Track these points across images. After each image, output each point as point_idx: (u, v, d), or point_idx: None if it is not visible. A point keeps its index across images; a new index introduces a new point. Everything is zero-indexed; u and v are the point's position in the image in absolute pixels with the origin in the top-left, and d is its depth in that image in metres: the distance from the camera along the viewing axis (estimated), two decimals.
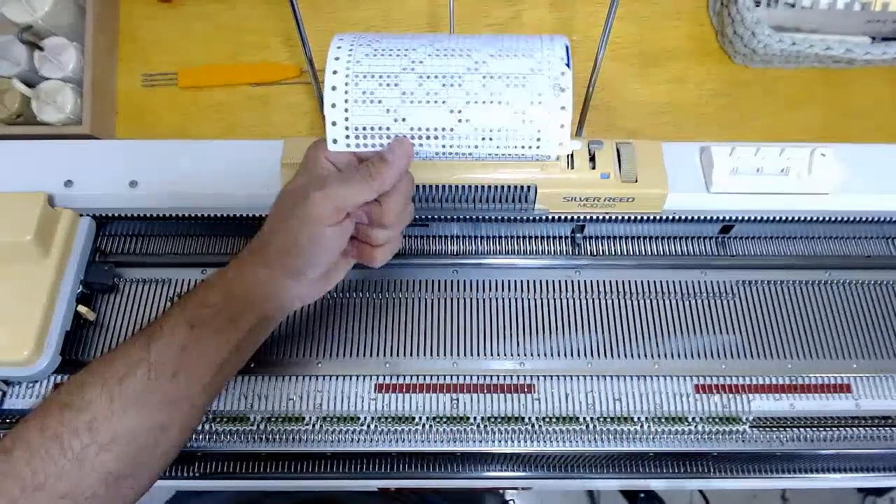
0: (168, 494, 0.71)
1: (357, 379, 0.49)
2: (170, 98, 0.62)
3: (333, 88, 0.38)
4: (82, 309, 0.49)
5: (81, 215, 0.52)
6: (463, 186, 0.49)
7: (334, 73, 0.38)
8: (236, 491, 0.60)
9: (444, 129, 0.39)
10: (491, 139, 0.39)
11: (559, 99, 0.38)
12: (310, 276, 0.41)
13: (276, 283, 0.40)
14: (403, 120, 0.38)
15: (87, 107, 0.57)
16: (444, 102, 0.38)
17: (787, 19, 0.60)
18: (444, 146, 0.39)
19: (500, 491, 0.79)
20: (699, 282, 0.53)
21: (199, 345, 0.37)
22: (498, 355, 0.50)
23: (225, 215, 0.52)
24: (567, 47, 0.39)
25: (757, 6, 0.59)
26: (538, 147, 0.39)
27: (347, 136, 0.39)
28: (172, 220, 0.53)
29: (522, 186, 0.49)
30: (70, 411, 0.34)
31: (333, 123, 0.39)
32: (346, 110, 0.38)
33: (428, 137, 0.39)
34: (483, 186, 0.49)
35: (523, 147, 0.39)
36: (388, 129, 0.39)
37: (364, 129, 0.39)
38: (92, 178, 0.52)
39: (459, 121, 0.38)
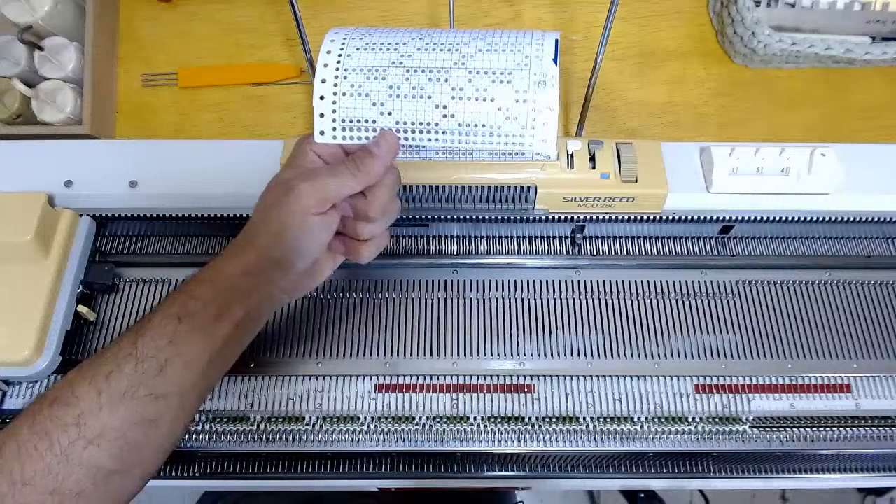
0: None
1: (357, 379, 0.49)
2: (170, 98, 0.62)
3: (323, 81, 0.39)
4: (82, 309, 0.49)
5: (81, 215, 0.52)
6: (463, 186, 0.49)
7: (325, 66, 0.39)
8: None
9: (429, 124, 0.39)
10: (476, 135, 0.39)
11: (545, 96, 0.38)
12: (296, 268, 0.40)
13: (262, 275, 0.40)
14: (389, 114, 0.39)
15: (87, 107, 0.57)
16: (429, 97, 0.38)
17: (787, 19, 0.60)
18: (430, 140, 0.39)
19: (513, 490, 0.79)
20: (699, 282, 0.53)
21: (186, 338, 0.37)
22: (498, 355, 0.50)
23: (225, 215, 0.52)
24: (557, 42, 0.39)
25: (757, 6, 0.59)
26: (521, 144, 0.39)
27: (335, 129, 0.39)
28: (172, 220, 0.53)
29: (522, 186, 0.49)
30: (59, 406, 0.34)
31: (321, 115, 0.39)
32: (335, 103, 0.39)
33: (413, 132, 0.39)
34: (483, 186, 0.49)
35: (508, 144, 0.39)
36: (374, 122, 0.39)
37: (351, 121, 0.39)
38: (92, 178, 0.52)
39: (444, 116, 0.38)
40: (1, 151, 0.53)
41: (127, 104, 0.62)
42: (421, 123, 0.39)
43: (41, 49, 0.58)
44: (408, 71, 0.38)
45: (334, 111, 0.39)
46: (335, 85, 0.38)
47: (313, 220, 0.39)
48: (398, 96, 0.38)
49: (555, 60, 0.38)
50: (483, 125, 0.39)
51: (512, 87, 0.38)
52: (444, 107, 0.38)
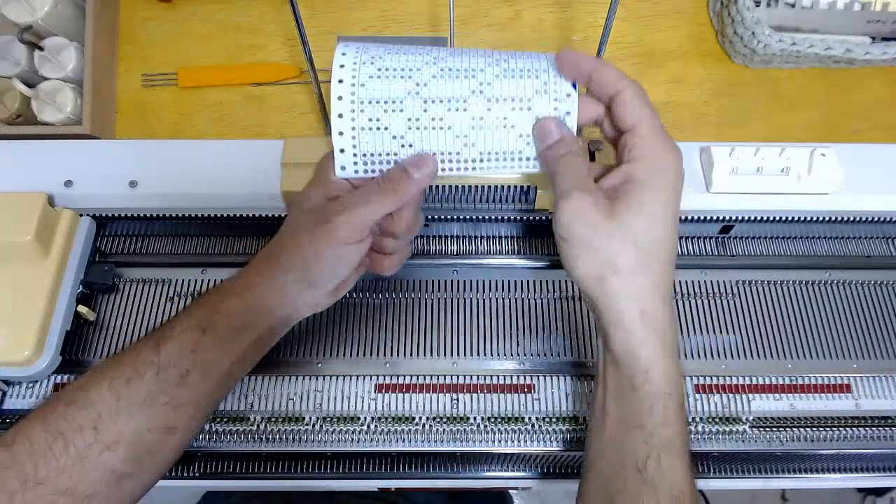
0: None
1: (357, 379, 0.49)
2: (170, 98, 0.62)
3: (340, 116, 0.38)
4: (82, 309, 0.49)
5: (81, 215, 0.52)
6: (463, 186, 0.49)
7: (339, 98, 0.37)
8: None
9: (450, 153, 0.38)
10: (497, 160, 0.39)
11: (565, 122, 0.38)
12: (326, 288, 0.41)
13: (292, 292, 0.40)
14: (410, 146, 0.38)
15: (87, 107, 0.57)
16: (449, 128, 0.38)
17: (787, 19, 0.60)
18: (451, 168, 0.39)
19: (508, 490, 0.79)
20: (699, 282, 0.53)
21: (209, 350, 0.37)
22: (498, 355, 0.50)
23: (225, 215, 0.52)
24: None
25: (757, 6, 0.59)
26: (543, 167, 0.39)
27: (356, 163, 0.39)
28: (172, 220, 0.53)
29: (522, 186, 0.49)
30: (75, 408, 0.35)
31: (342, 151, 0.38)
32: (354, 138, 0.38)
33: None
34: (483, 186, 0.49)
35: (530, 168, 0.39)
36: (395, 154, 0.38)
37: (372, 154, 0.38)
38: (92, 178, 0.52)
39: (465, 145, 0.38)
40: (1, 151, 0.53)
41: (127, 104, 0.62)
42: (442, 153, 0.38)
43: (41, 49, 0.58)
44: (425, 101, 0.38)
45: (354, 146, 0.38)
46: (353, 119, 0.38)
47: (350, 249, 0.39)
48: (418, 128, 0.38)
49: (574, 86, 0.38)
50: (504, 152, 0.38)
51: (532, 114, 0.38)
52: (465, 136, 0.38)
